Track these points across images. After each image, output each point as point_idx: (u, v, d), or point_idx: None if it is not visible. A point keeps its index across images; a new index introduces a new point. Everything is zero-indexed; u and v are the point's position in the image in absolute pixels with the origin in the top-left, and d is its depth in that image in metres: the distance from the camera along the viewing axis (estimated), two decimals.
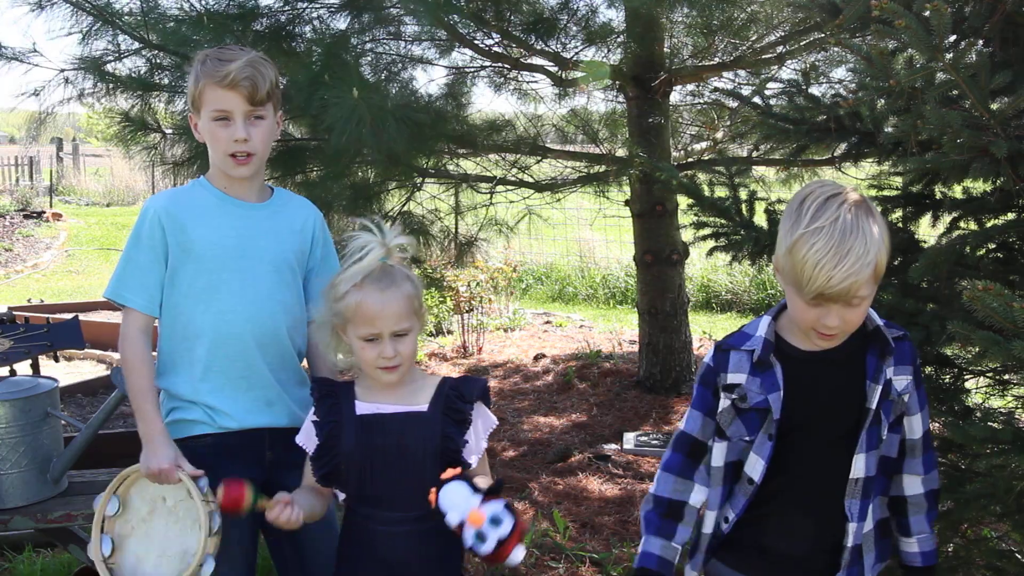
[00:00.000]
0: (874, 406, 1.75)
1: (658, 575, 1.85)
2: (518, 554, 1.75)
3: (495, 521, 1.73)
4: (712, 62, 5.61)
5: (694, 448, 1.89)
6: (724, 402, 1.84)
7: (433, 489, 1.80)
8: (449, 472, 1.80)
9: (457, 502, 1.76)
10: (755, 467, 1.80)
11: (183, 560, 2.07)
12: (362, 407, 1.98)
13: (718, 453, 1.85)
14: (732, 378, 1.83)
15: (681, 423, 1.92)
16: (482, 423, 2.00)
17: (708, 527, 1.89)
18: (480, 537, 1.73)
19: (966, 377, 2.56)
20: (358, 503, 1.98)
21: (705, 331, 7.00)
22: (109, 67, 4.73)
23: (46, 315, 5.66)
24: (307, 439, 2.03)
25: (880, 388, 1.76)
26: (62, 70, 4.82)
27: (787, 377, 1.78)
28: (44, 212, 15.99)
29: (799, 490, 1.82)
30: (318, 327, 2.08)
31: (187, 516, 2.10)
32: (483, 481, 1.83)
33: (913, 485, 1.86)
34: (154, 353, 2.16)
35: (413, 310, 1.96)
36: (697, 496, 1.88)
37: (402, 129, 3.86)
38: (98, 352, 6.51)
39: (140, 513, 2.14)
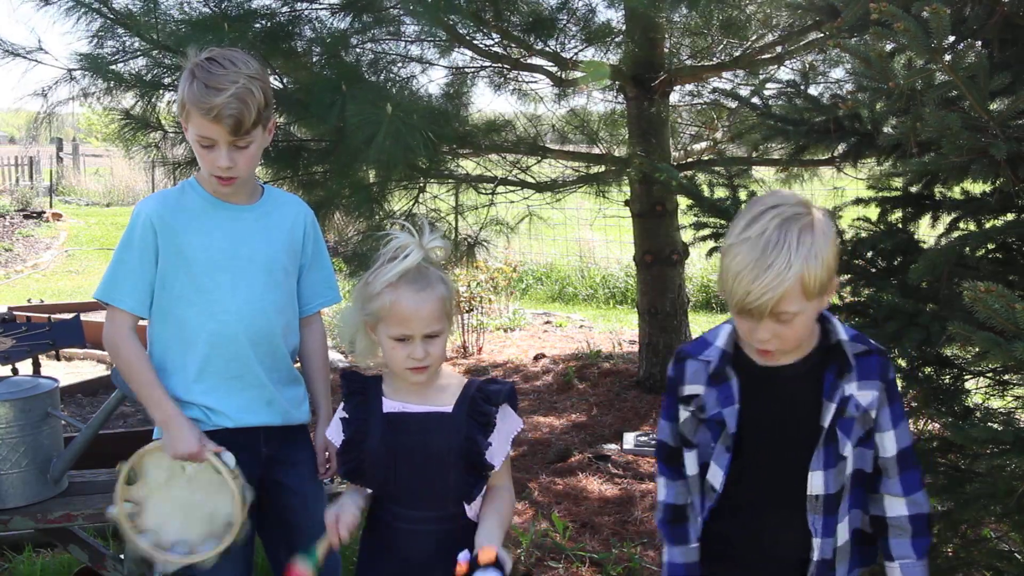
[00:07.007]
0: (826, 424, 1.71)
1: None
2: None
3: None
4: (711, 62, 5.61)
5: (670, 455, 1.89)
6: (684, 413, 1.82)
7: (463, 565, 1.78)
8: (485, 555, 1.79)
9: None
10: (715, 476, 1.79)
11: (212, 521, 2.11)
12: (389, 404, 1.99)
13: (690, 461, 1.84)
14: (689, 389, 1.81)
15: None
16: (507, 426, 2.00)
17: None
18: None
19: (966, 378, 2.56)
20: (382, 500, 1.99)
21: (705, 331, 7.00)
22: (116, 67, 4.72)
23: (47, 315, 5.67)
24: (335, 434, 2.05)
25: (835, 406, 1.71)
26: (69, 70, 4.81)
27: (744, 391, 1.75)
28: (44, 212, 16.01)
29: (764, 502, 1.79)
30: (344, 322, 2.07)
31: (210, 484, 2.13)
32: (509, 561, 1.82)
33: (895, 506, 1.78)
34: None
35: (445, 312, 1.96)
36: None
37: (427, 143, 3.93)
38: (98, 352, 6.51)
39: (157, 480, 2.17)
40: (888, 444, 1.76)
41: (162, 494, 2.17)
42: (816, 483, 1.72)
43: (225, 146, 2.10)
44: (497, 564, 1.78)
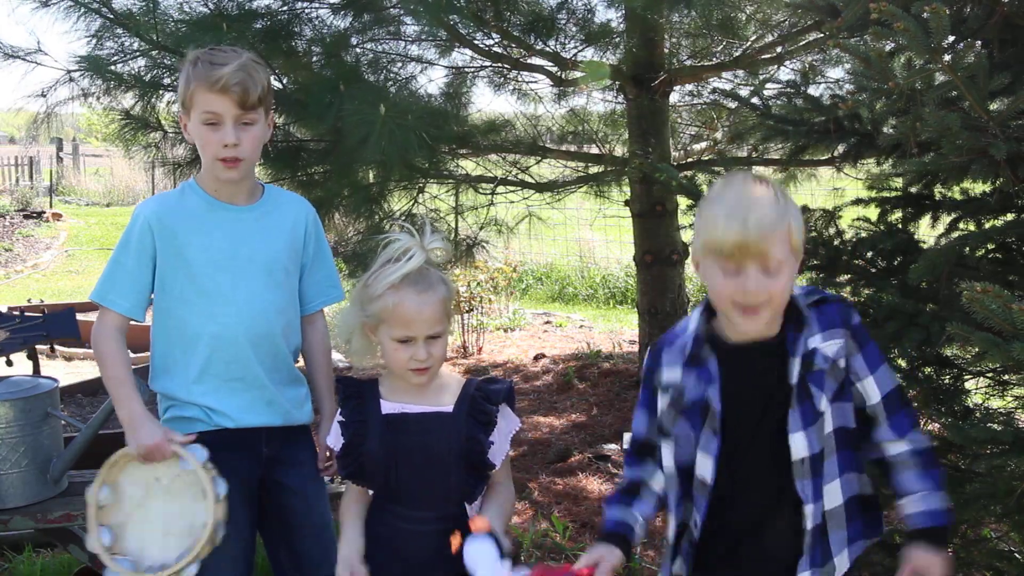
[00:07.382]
0: (794, 380, 1.68)
1: (620, 535, 1.83)
2: None
3: None
4: (711, 62, 5.61)
5: (642, 448, 1.88)
6: (662, 401, 1.81)
7: (457, 535, 1.81)
8: (478, 524, 1.80)
9: (486, 563, 1.77)
10: (705, 467, 1.75)
11: (191, 534, 2.07)
12: (387, 406, 1.99)
13: (667, 453, 1.82)
14: (667, 375, 1.81)
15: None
16: (507, 425, 2.00)
17: (670, 533, 1.85)
18: None
19: (966, 378, 2.56)
20: (382, 501, 2.00)
21: None
22: (115, 68, 4.72)
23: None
24: (335, 439, 2.04)
25: (799, 360, 1.69)
26: (69, 71, 4.81)
27: (722, 368, 1.75)
28: (44, 212, 16.00)
29: (756, 484, 1.76)
30: (342, 323, 2.07)
31: (186, 491, 2.09)
32: (505, 539, 1.84)
33: (893, 448, 1.75)
34: (143, 355, 2.16)
35: (447, 313, 1.97)
36: (657, 481, 1.87)
37: (422, 143, 3.93)
38: None
39: (135, 498, 2.13)
40: (871, 391, 1.74)
41: (141, 513, 2.13)
42: (798, 445, 1.68)
43: (231, 121, 2.11)
44: (490, 535, 1.80)
